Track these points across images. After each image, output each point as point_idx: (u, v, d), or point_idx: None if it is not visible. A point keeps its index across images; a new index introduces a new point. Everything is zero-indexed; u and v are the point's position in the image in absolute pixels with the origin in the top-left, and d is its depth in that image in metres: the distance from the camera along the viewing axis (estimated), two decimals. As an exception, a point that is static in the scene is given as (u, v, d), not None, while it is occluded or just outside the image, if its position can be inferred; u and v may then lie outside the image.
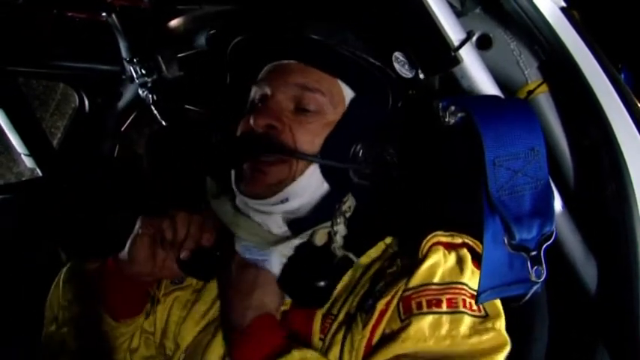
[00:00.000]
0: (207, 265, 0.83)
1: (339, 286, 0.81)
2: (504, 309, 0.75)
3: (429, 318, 0.70)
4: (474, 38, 0.89)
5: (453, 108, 0.77)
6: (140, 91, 1.40)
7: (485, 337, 0.70)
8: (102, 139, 1.93)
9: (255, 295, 0.78)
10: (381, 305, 0.73)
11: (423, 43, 0.82)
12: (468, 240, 0.79)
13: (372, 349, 0.71)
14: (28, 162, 1.90)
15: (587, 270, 0.90)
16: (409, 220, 0.87)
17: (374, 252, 0.83)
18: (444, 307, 0.71)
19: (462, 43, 0.80)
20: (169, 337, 0.89)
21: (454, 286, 0.73)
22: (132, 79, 1.39)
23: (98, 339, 0.87)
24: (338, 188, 0.84)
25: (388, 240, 0.85)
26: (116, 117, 1.90)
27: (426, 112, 0.82)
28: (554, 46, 0.86)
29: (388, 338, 0.71)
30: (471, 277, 0.74)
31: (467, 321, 0.71)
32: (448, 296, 0.72)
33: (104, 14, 1.27)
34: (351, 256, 0.81)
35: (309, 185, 0.83)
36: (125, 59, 1.36)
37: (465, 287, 0.73)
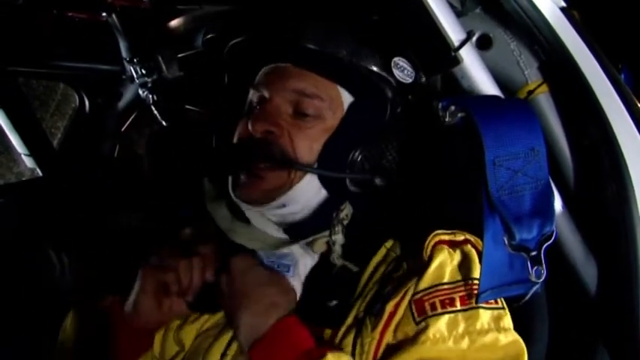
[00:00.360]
0: (214, 298, 0.82)
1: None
2: (504, 309, 0.75)
3: (445, 318, 0.70)
4: (474, 38, 0.89)
5: (452, 108, 0.77)
6: (140, 92, 1.40)
7: (503, 338, 0.70)
8: (102, 140, 1.93)
9: (274, 294, 0.75)
10: (389, 307, 0.73)
11: (423, 43, 0.82)
12: (470, 237, 0.79)
13: (389, 353, 0.71)
14: (29, 162, 1.90)
15: (587, 270, 0.90)
16: (409, 223, 0.86)
17: (377, 256, 0.83)
18: (458, 306, 0.71)
19: (462, 43, 0.80)
20: (169, 343, 0.89)
21: (465, 282, 0.74)
22: (132, 80, 1.39)
23: None
24: (336, 195, 0.83)
25: (389, 244, 0.84)
26: (116, 117, 1.90)
27: (426, 112, 0.82)
28: (554, 46, 0.86)
29: (405, 342, 0.70)
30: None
31: (483, 316, 0.71)
32: (461, 294, 0.72)
33: (104, 14, 1.27)
34: (351, 265, 0.81)
35: (307, 192, 0.82)
36: (125, 59, 1.36)
37: (476, 282, 0.73)
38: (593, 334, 0.91)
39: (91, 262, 1.42)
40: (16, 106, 1.77)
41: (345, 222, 0.82)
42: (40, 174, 1.89)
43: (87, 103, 1.87)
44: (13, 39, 1.40)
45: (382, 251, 0.84)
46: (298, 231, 0.84)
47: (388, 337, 0.73)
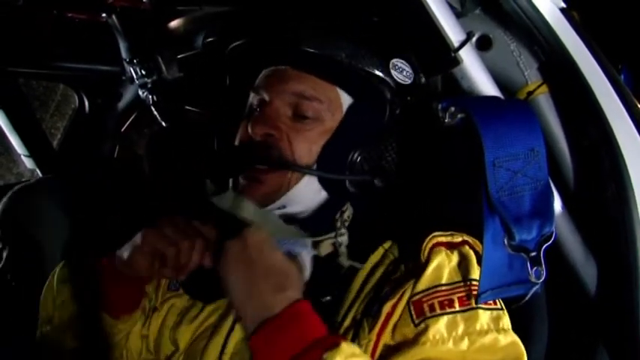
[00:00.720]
0: (209, 287, 0.81)
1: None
2: (504, 310, 0.75)
3: (444, 319, 0.70)
4: (474, 39, 0.89)
5: (453, 109, 0.77)
6: (140, 92, 1.40)
7: (502, 339, 0.70)
8: (102, 140, 1.93)
9: (289, 274, 0.70)
10: (387, 308, 0.73)
11: (423, 44, 0.82)
12: (468, 238, 0.79)
13: (387, 355, 0.71)
14: (28, 163, 1.90)
15: (587, 271, 0.90)
16: (409, 223, 0.86)
17: (374, 257, 0.83)
18: (457, 307, 0.71)
19: (462, 44, 0.80)
20: (164, 342, 0.89)
21: (463, 283, 0.74)
22: (132, 80, 1.38)
23: (95, 337, 0.86)
24: (336, 197, 0.83)
25: (387, 244, 0.84)
26: (116, 118, 1.90)
27: (426, 113, 0.82)
28: (554, 47, 0.87)
29: (405, 344, 0.70)
30: (479, 273, 0.74)
31: (483, 316, 0.71)
32: (459, 295, 0.72)
33: (104, 15, 1.27)
34: (357, 265, 0.81)
35: (306, 193, 0.82)
36: (125, 60, 1.36)
37: (475, 283, 0.73)
38: (592, 334, 0.91)
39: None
40: (16, 106, 1.77)
41: (347, 223, 0.83)
42: (40, 175, 1.89)
43: (87, 103, 1.87)
44: (13, 39, 1.40)
45: (380, 252, 0.84)
46: (301, 228, 0.84)
47: (385, 339, 0.73)
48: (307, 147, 0.81)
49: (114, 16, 1.27)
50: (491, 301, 0.73)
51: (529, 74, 0.92)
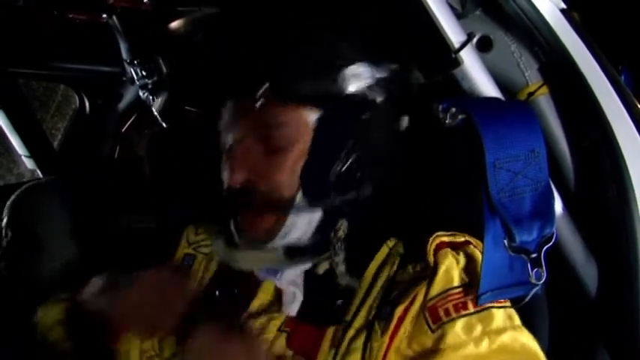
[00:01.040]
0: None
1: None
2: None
3: (460, 322, 0.70)
4: (475, 40, 0.89)
5: (453, 110, 0.77)
6: (140, 93, 1.40)
7: (519, 337, 0.70)
8: (102, 141, 1.93)
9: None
10: (398, 312, 0.73)
11: (423, 45, 0.82)
12: (470, 238, 0.79)
13: None
14: (29, 163, 1.91)
15: (588, 272, 0.90)
16: (409, 223, 0.86)
17: (380, 256, 0.83)
18: (471, 308, 0.71)
19: (463, 45, 0.80)
20: (167, 343, 0.89)
21: (474, 285, 0.73)
22: (132, 81, 1.39)
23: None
24: (329, 214, 0.82)
25: (391, 242, 0.84)
26: (116, 118, 1.91)
27: (426, 113, 0.82)
28: (555, 48, 0.87)
29: (425, 355, 0.70)
30: None
31: (497, 315, 0.71)
32: (471, 297, 0.72)
33: (105, 15, 1.27)
34: (355, 280, 0.80)
35: (303, 216, 0.81)
36: (126, 61, 1.36)
37: None
38: (593, 335, 0.91)
39: (91, 262, 1.42)
40: (17, 107, 1.77)
41: (343, 237, 0.82)
42: (41, 175, 1.90)
43: (87, 104, 1.88)
44: (13, 40, 1.41)
45: (384, 250, 0.83)
46: (302, 252, 0.83)
47: (397, 343, 0.73)
48: (288, 177, 0.80)
49: (114, 17, 1.27)
50: (501, 299, 0.73)
51: (530, 75, 0.92)
